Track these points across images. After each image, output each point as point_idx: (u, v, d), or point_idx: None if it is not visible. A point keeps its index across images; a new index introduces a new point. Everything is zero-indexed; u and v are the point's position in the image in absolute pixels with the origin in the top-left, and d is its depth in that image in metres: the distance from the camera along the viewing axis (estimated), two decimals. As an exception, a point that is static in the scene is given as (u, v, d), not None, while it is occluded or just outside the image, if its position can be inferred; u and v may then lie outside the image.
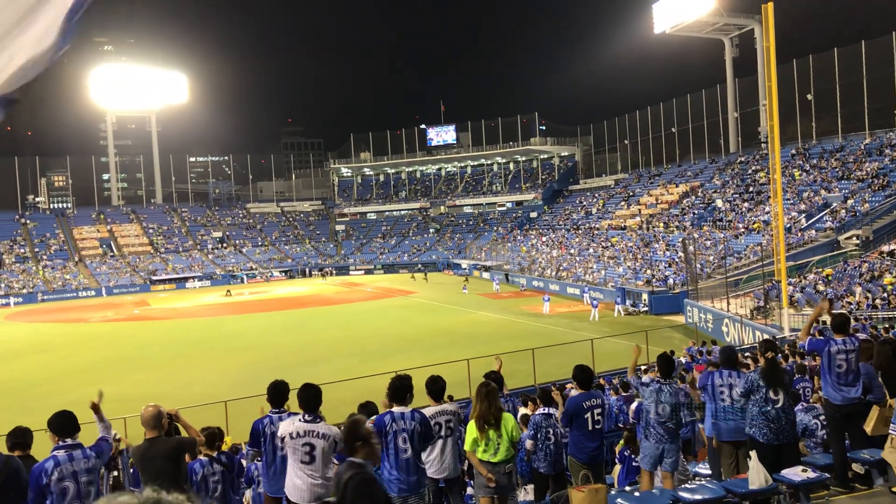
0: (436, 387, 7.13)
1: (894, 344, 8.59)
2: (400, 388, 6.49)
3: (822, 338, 8.78)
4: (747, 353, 16.51)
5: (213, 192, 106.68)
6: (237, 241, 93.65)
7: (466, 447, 6.98)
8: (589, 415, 7.93)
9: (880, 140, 52.47)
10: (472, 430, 6.92)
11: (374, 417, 6.94)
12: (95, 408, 6.20)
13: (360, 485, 4.21)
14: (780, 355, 14.08)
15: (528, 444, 8.67)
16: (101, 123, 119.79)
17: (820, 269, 36.26)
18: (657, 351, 22.28)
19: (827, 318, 8.92)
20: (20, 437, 5.98)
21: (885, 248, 36.31)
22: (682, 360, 21.81)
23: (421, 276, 74.44)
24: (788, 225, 43.99)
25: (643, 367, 16.66)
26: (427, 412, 6.78)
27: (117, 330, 47.87)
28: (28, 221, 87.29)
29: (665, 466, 7.94)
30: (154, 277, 79.12)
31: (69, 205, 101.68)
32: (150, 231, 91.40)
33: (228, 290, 67.76)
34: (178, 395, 23.76)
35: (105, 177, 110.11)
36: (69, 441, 5.60)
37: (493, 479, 6.76)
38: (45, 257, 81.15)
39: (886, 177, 45.86)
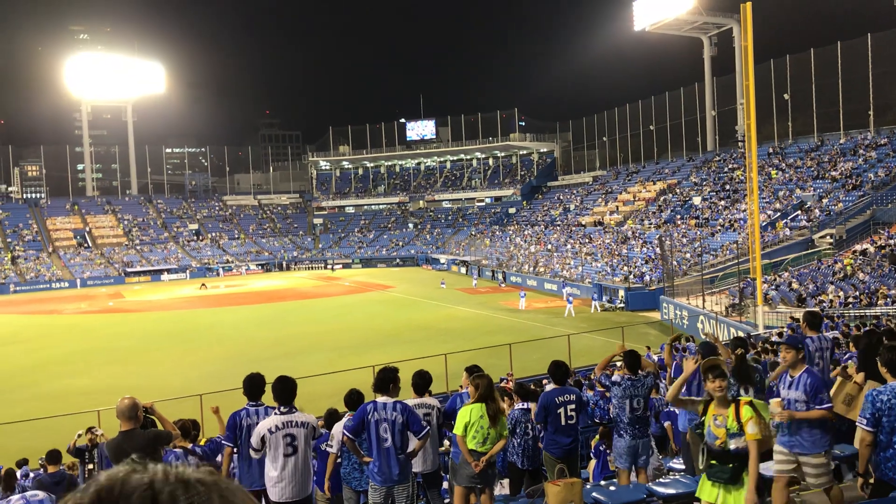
0: (421, 381, 7.19)
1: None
2: (384, 380, 6.55)
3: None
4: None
5: (190, 184, 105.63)
6: (213, 234, 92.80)
7: (457, 431, 6.97)
8: (562, 410, 7.95)
9: (855, 140, 53.20)
10: (465, 415, 6.90)
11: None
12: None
13: None
14: (751, 352, 14.27)
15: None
16: (76, 113, 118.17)
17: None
18: (632, 347, 22.48)
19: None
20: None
21: (858, 247, 36.88)
22: (655, 357, 21.94)
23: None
24: (764, 223, 44.47)
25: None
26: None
27: (91, 322, 47.32)
28: (0, 211, 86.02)
29: (640, 462, 8.00)
30: (129, 269, 78.26)
31: (43, 195, 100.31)
32: (125, 222, 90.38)
33: (203, 283, 67.21)
34: (153, 388, 23.55)
35: (80, 167, 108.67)
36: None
37: (481, 466, 6.82)
38: (17, 248, 79.96)
39: (860, 177, 46.49)
